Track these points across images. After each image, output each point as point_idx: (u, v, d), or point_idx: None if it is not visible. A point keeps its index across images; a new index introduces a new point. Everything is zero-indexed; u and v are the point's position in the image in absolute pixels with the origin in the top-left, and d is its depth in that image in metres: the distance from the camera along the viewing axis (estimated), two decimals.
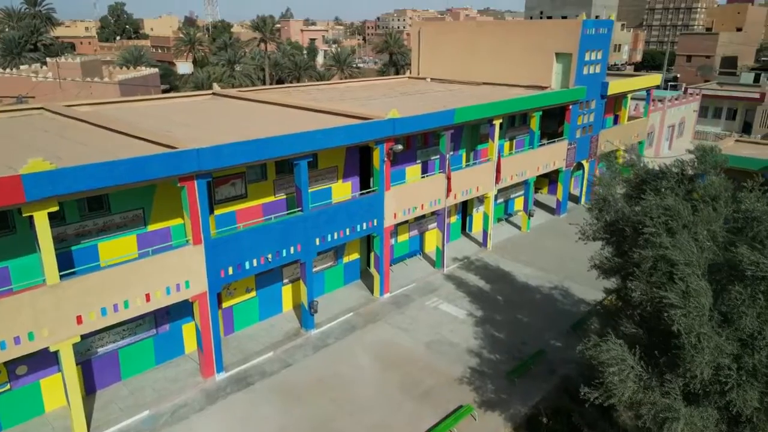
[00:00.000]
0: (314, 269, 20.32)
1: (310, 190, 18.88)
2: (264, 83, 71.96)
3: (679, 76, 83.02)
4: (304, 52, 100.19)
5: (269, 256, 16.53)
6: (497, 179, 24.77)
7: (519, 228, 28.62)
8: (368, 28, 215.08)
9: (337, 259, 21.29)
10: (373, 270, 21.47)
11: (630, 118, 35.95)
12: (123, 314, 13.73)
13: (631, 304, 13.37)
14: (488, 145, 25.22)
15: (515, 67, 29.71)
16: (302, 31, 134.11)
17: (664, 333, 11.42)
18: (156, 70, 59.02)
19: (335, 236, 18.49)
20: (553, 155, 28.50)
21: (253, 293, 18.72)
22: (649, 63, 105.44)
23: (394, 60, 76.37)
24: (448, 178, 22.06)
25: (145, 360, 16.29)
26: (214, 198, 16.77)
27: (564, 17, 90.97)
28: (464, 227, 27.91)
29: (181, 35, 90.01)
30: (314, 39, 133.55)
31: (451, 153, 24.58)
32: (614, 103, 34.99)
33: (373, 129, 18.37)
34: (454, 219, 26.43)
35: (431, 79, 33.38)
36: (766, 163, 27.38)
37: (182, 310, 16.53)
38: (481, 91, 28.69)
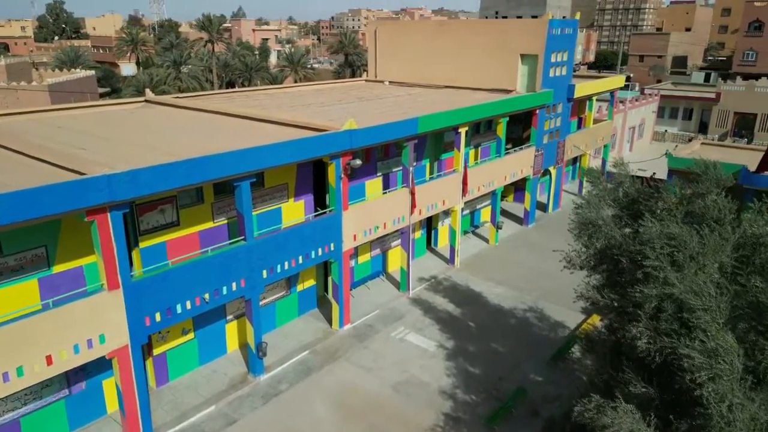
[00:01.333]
0: (263, 302, 17.86)
1: (255, 213, 16.43)
2: (212, 85, 68.37)
3: (632, 75, 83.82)
4: (256, 52, 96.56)
5: (206, 296, 14.00)
6: (464, 192, 22.87)
7: (487, 241, 26.84)
8: (323, 27, 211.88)
9: (289, 288, 18.87)
10: (331, 298, 19.16)
11: (594, 121, 34.81)
12: (16, 384, 10.99)
13: (630, 347, 11.59)
14: (453, 154, 23.32)
15: (478, 70, 27.94)
16: (254, 30, 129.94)
17: (679, 391, 9.65)
18: (92, 72, 54.73)
19: (286, 266, 16.09)
20: (521, 163, 26.85)
21: (191, 335, 16.11)
22: (601, 63, 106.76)
23: (350, 61, 74.07)
24: (413, 193, 19.98)
25: (55, 427, 13.48)
26: (138, 228, 14.12)
27: (519, 17, 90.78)
28: (429, 242, 25.91)
29: (123, 35, 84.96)
30: (267, 39, 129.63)
31: (414, 164, 22.53)
32: (578, 106, 33.76)
33: (328, 142, 16.08)
34: (419, 234, 24.38)
35: (389, 82, 31.28)
36: (736, 168, 26.53)
37: (102, 363, 13.80)
38: (443, 95, 26.78)
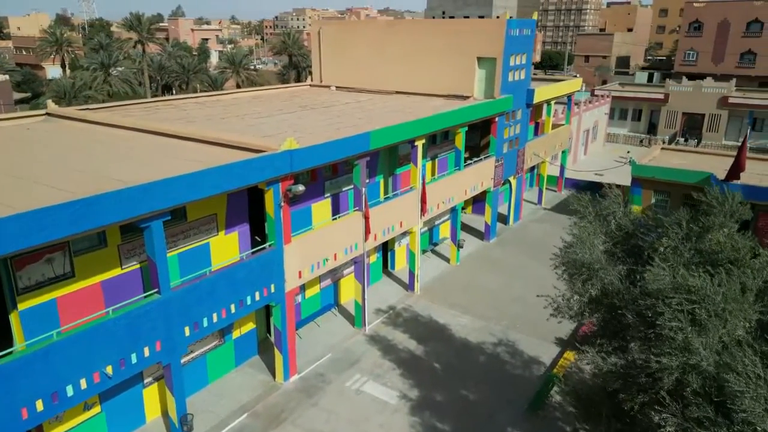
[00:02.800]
0: (191, 355, 14.94)
1: (175, 253, 13.52)
2: (145, 90, 63.61)
3: (578, 76, 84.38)
4: (195, 53, 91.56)
5: (109, 369, 11.03)
6: (423, 211, 20.56)
7: (448, 260, 24.65)
8: (267, 27, 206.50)
9: (223, 336, 15.98)
10: (274, 347, 16.37)
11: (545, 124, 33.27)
12: None
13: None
14: (409, 168, 20.98)
15: (433, 74, 25.73)
16: (193, 30, 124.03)
17: None
18: (6, 77, 49.31)
19: (215, 318, 13.25)
20: (482, 175, 24.81)
21: (97, 408, 13.01)
22: (547, 63, 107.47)
23: (295, 62, 70.78)
24: (366, 218, 17.48)
25: None
26: (15, 286, 10.98)
27: (466, 17, 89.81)
28: (386, 264, 23.48)
29: (46, 35, 78.29)
30: (207, 39, 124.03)
31: (367, 182, 20.04)
32: (535, 111, 32.15)
33: (262, 167, 13.34)
34: (374, 258, 21.91)
35: (336, 87, 28.65)
36: (704, 176, 25.42)
37: None
38: (396, 102, 24.40)
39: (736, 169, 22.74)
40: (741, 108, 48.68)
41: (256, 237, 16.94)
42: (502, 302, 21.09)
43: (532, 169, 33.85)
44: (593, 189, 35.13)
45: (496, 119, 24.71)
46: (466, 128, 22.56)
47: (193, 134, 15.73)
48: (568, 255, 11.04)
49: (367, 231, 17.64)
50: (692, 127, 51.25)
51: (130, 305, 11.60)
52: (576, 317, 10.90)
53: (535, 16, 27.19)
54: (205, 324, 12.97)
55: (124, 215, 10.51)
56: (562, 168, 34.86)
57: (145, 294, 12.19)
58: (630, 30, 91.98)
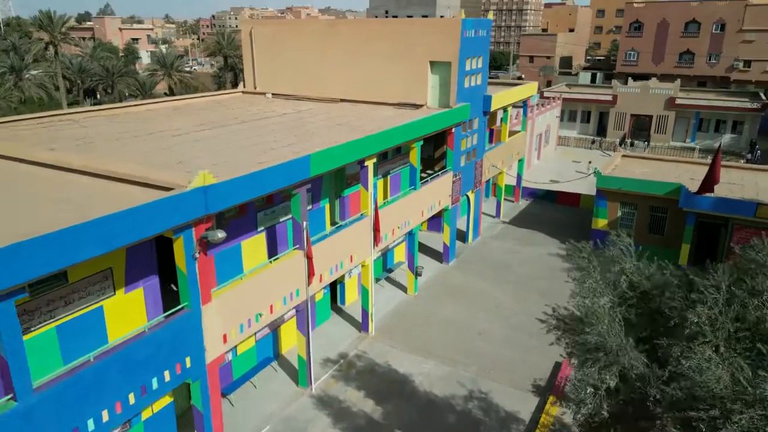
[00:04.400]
0: None
1: (53, 325, 10.12)
2: (62, 95, 57.78)
3: (523, 76, 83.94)
4: (121, 54, 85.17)
5: None
6: (377, 240, 17.72)
7: (404, 289, 21.93)
8: (203, 26, 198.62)
9: (129, 420, 12.57)
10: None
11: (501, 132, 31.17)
12: None
13: None
14: (359, 188, 18.13)
15: (381, 80, 22.95)
16: (121, 29, 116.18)
17: None
18: None
19: (104, 417, 9.91)
20: (439, 193, 22.24)
21: None
22: (491, 64, 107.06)
23: (231, 63, 66.40)
24: (309, 257, 14.46)
25: None
26: None
27: (409, 17, 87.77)
28: (334, 298, 20.53)
29: None
30: (137, 39, 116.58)
31: (309, 208, 17.02)
32: (489, 118, 29.97)
33: (167, 211, 10.12)
34: (321, 294, 18.89)
35: (272, 94, 25.40)
36: (673, 187, 23.84)
37: None
38: (341, 112, 21.45)
39: (710, 182, 21.13)
40: (688, 109, 48.58)
41: (173, 286, 13.65)
42: (468, 339, 18.56)
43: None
44: (551, 198, 33.43)
45: (453, 130, 22.20)
46: (422, 142, 19.92)
47: (83, 164, 12.26)
48: (575, 332, 8.43)
49: (311, 273, 14.64)
50: (640, 128, 50.88)
51: None
52: (592, 415, 8.29)
53: (490, 16, 24.87)
54: (90, 429, 9.61)
55: None
56: (519, 177, 32.89)
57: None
58: (571, 30, 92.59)
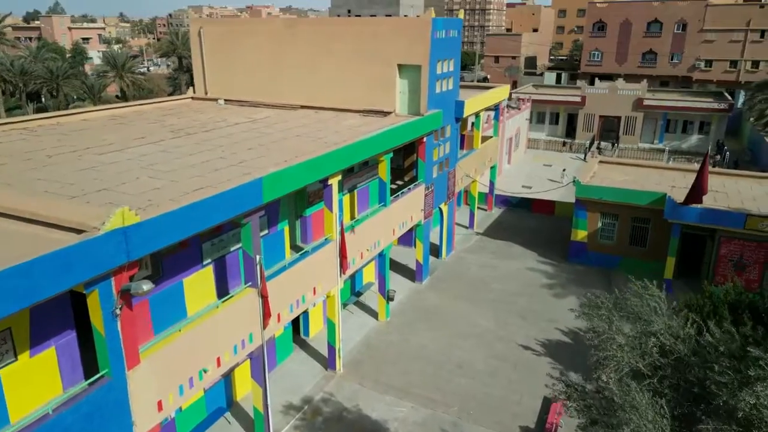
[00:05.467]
0: None
1: None
2: (9, 97, 53.58)
3: (489, 77, 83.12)
4: (68, 55, 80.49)
5: None
6: (343, 267, 15.71)
7: (375, 315, 19.98)
8: (160, 25, 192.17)
9: None
10: None
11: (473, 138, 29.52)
12: None
13: None
14: (322, 206, 16.10)
15: (345, 85, 20.95)
16: (70, 29, 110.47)
17: None
18: None
19: None
20: (411, 208, 20.39)
21: None
22: None
23: (186, 64, 63.08)
24: (264, 296, 12.36)
25: None
26: None
27: (373, 16, 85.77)
28: (297, 330, 18.43)
29: None
30: (87, 39, 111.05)
31: (265, 233, 14.90)
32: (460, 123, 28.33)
33: (75, 263, 7.90)
34: (281, 330, 16.74)
35: (225, 101, 23.07)
36: (657, 197, 22.59)
37: None
38: (301, 120, 19.34)
39: (698, 192, 19.88)
40: (655, 110, 48.17)
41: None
42: (447, 374, 16.73)
43: None
44: (526, 206, 32.02)
45: (424, 139, 20.38)
46: (391, 154, 18.01)
47: None
48: (597, 411, 6.62)
49: (267, 314, 12.54)
50: (609, 129, 50.24)
51: None
52: None
53: (461, 15, 23.14)
54: None
55: None
56: (492, 184, 31.37)
57: None
58: (535, 30, 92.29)
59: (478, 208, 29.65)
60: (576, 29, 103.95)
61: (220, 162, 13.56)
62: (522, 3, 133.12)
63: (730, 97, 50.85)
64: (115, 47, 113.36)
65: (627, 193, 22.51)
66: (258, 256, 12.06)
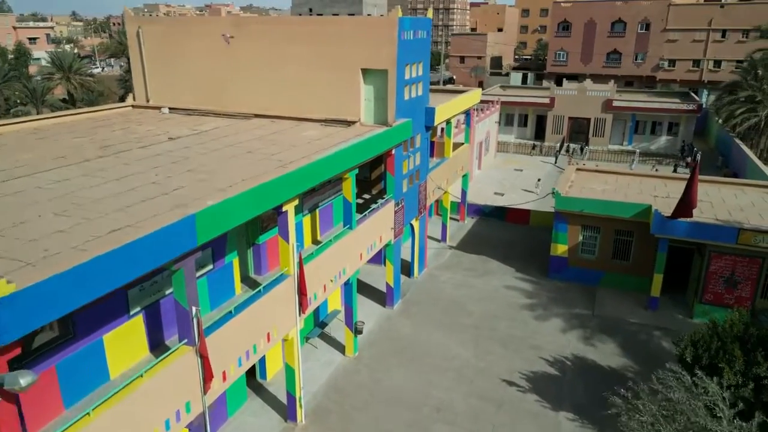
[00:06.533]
0: None
1: None
2: None
3: (455, 77, 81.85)
4: (11, 56, 75.52)
5: None
6: (303, 306, 13.58)
7: (342, 348, 17.90)
8: (114, 24, 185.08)
9: None
10: None
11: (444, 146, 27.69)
12: None
13: None
14: (277, 232, 13.93)
15: (304, 91, 18.82)
16: (15, 28, 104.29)
17: None
18: None
19: None
20: (380, 227, 18.40)
21: None
22: None
23: None
24: (203, 354, 10.16)
25: None
26: None
27: (335, 15, 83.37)
28: (253, 372, 16.21)
29: None
30: (35, 39, 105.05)
31: (209, 269, 12.68)
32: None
33: None
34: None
35: (170, 109, 20.63)
36: (642, 208, 21.20)
37: None
38: (254, 132, 17.12)
39: (687, 205, 18.49)
40: (624, 111, 47.46)
41: None
42: (425, 419, 14.79)
43: None
44: (499, 215, 30.43)
45: (393, 151, 18.42)
46: (357, 170, 15.97)
47: None
48: None
49: (208, 376, 10.34)
50: (578, 131, 49.36)
51: None
52: None
53: (430, 14, 21.25)
54: None
55: None
56: (464, 193, 29.66)
57: None
58: (500, 30, 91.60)
59: (451, 218, 27.87)
60: (539, 29, 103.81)
61: (150, 189, 11.28)
62: (485, 2, 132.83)
63: (697, 98, 50.67)
64: (67, 47, 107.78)
65: (610, 205, 21.04)
66: (194, 308, 9.86)
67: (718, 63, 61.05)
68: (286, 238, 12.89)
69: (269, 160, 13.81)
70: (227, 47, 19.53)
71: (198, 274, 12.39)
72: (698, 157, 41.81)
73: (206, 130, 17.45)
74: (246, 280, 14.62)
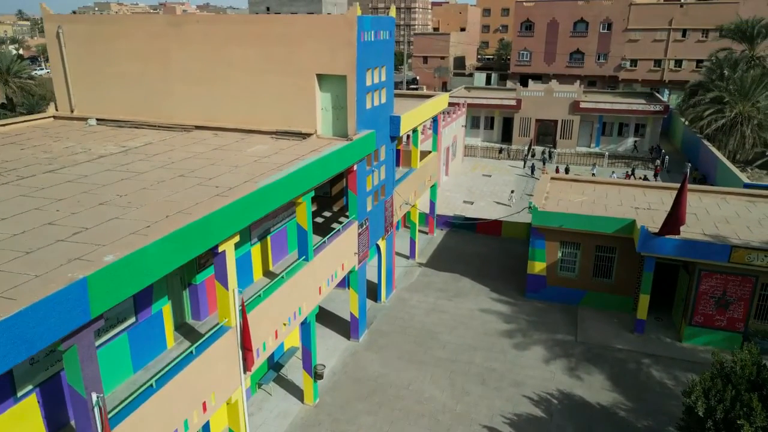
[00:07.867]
0: None
1: None
2: None
3: (418, 78, 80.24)
4: None
5: None
6: (248, 362, 11.30)
7: (300, 394, 15.66)
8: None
9: None
10: None
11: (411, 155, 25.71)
12: None
13: None
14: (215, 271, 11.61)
15: (252, 100, 16.51)
16: None
17: None
18: None
19: None
20: (342, 254, 16.23)
21: None
22: None
23: None
24: None
25: None
26: None
27: (293, 14, 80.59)
28: None
29: None
30: None
31: (131, 323, 10.30)
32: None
33: None
34: None
35: (97, 120, 17.97)
36: (626, 223, 19.67)
37: None
38: (192, 148, 14.71)
39: (675, 222, 16.97)
40: (592, 112, 46.57)
41: None
42: None
43: None
44: (470, 226, 28.67)
45: (355, 167, 16.29)
46: (314, 193, 13.77)
47: None
48: None
49: None
50: (545, 133, 48.26)
51: None
52: None
53: (393, 13, 19.19)
54: None
55: None
56: (433, 204, 27.77)
57: None
58: (463, 29, 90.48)
59: (419, 231, 25.93)
60: (501, 28, 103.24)
61: (46, 233, 8.85)
62: (446, 1, 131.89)
63: (661, 98, 50.31)
64: (11, 47, 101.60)
65: (592, 220, 19.44)
66: (95, 395, 7.52)
67: (678, 63, 61.17)
68: (225, 284, 10.59)
69: (204, 185, 11.51)
70: (164, 50, 17.01)
71: (114, 332, 10.02)
72: (667, 160, 41.14)
73: (136, 147, 14.94)
74: (182, 327, 12.28)
